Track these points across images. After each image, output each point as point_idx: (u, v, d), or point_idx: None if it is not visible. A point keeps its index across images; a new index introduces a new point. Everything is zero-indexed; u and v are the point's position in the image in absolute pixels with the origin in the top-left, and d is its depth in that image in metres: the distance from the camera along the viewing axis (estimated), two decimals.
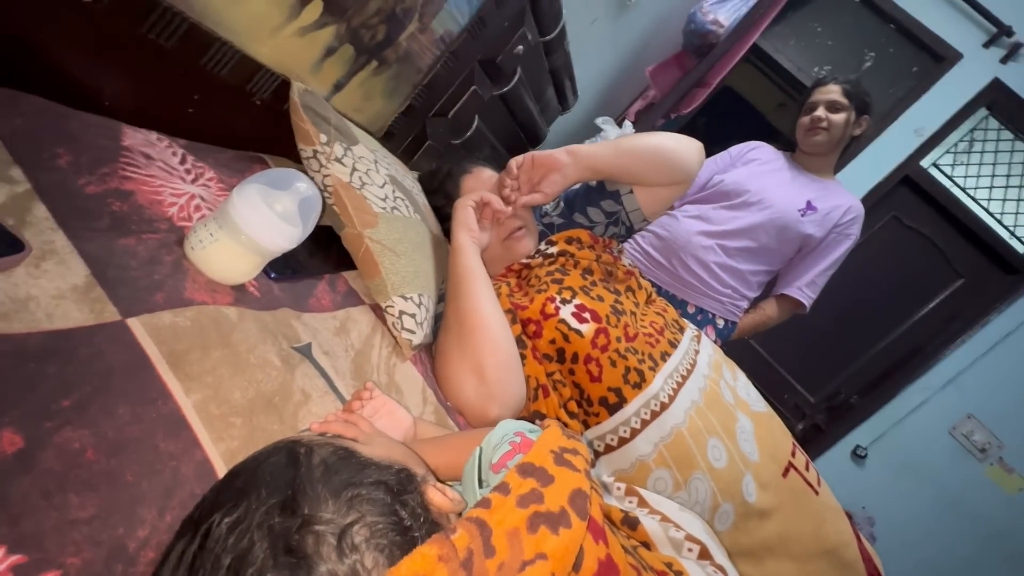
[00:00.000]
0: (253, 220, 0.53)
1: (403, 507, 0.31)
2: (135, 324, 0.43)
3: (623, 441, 0.79)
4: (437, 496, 0.34)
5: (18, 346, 0.35)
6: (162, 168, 0.60)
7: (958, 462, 2.41)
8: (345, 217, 0.74)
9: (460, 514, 0.35)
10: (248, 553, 0.26)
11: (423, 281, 0.80)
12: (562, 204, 1.09)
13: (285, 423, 0.49)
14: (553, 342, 0.79)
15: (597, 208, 1.03)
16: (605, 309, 0.82)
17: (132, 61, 0.62)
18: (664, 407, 0.80)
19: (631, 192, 0.99)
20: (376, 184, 0.80)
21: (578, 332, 0.78)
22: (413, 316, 0.74)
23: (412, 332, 0.73)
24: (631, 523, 0.56)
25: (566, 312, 0.80)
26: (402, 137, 1.10)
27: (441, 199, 0.98)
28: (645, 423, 0.79)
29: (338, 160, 0.75)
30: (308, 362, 0.58)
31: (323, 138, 0.74)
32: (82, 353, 0.38)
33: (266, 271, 0.63)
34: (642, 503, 0.62)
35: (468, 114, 1.16)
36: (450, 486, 0.41)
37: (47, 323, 0.37)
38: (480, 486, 0.43)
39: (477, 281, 0.78)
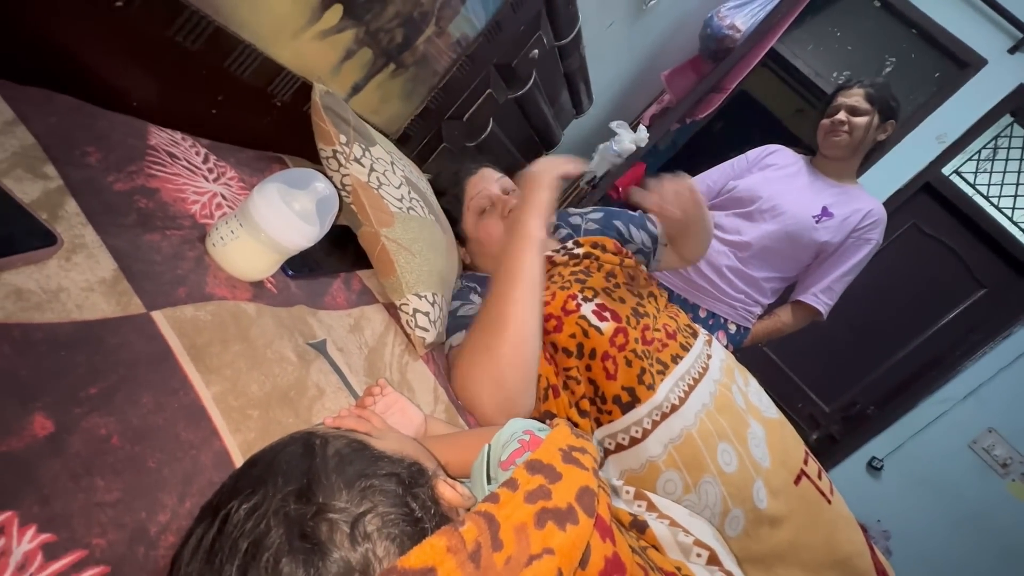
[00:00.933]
0: (272, 218, 0.55)
1: (414, 499, 0.32)
2: (159, 317, 0.44)
3: (634, 441, 0.79)
4: (447, 490, 0.35)
5: (50, 335, 0.36)
6: (186, 167, 0.62)
7: (978, 477, 2.35)
8: (363, 216, 0.75)
9: (469, 509, 0.36)
10: (265, 538, 0.27)
11: (437, 280, 0.81)
12: (601, 213, 1.10)
13: (300, 417, 0.50)
14: (573, 336, 0.80)
15: (642, 231, 1.07)
16: (626, 311, 0.84)
17: (159, 63, 0.64)
18: (675, 409, 0.80)
19: (666, 246, 1.08)
20: (393, 185, 0.82)
21: (597, 329, 0.79)
22: (427, 315, 0.75)
23: (426, 330, 0.74)
24: (640, 526, 0.56)
25: (587, 309, 0.81)
26: (418, 139, 1.11)
27: (449, 201, 0.99)
28: (656, 424, 0.79)
29: (357, 160, 0.77)
30: (323, 358, 0.59)
31: (343, 139, 0.76)
32: (109, 343, 0.39)
33: (284, 268, 0.65)
34: (651, 507, 0.62)
35: (483, 117, 1.17)
36: (460, 482, 0.41)
37: (77, 314, 0.39)
38: (489, 483, 0.43)
39: (535, 288, 0.74)
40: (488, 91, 1.13)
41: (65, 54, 0.57)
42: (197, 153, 0.66)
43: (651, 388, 0.80)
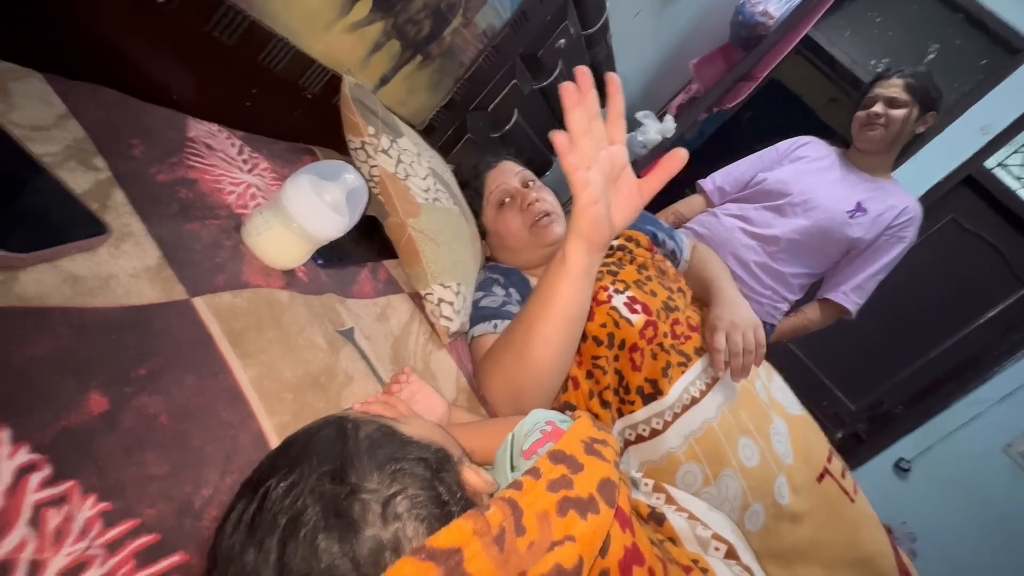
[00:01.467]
0: (304, 209, 0.57)
1: (441, 483, 0.33)
2: (199, 303, 0.46)
3: (655, 433, 0.79)
4: (472, 476, 0.36)
5: (102, 319, 0.38)
6: (222, 158, 0.64)
7: (1012, 481, 2.27)
8: (389, 206, 0.77)
9: (492, 495, 0.37)
10: (302, 515, 0.29)
11: (462, 270, 0.82)
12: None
13: (330, 401, 0.52)
14: (604, 326, 0.81)
15: (671, 241, 1.09)
16: (656, 304, 0.84)
17: (197, 57, 0.66)
18: (696, 402, 0.80)
19: (687, 261, 1.10)
20: (419, 176, 0.83)
21: (628, 320, 0.80)
22: (451, 304, 0.77)
23: (450, 320, 0.76)
24: (658, 519, 0.57)
25: (618, 301, 0.82)
26: (443, 130, 1.12)
27: (469, 194, 1.00)
28: (676, 416, 0.79)
29: (384, 152, 0.78)
30: (351, 345, 0.61)
31: (371, 130, 0.77)
32: (155, 327, 0.41)
33: (314, 258, 0.67)
34: (669, 500, 0.63)
35: (508, 108, 1.17)
36: (483, 469, 0.42)
37: (125, 299, 0.41)
38: (511, 471, 0.45)
39: (568, 322, 0.66)
40: (513, 82, 1.13)
41: (109, 49, 0.59)
42: (232, 144, 0.68)
43: (673, 381, 0.80)
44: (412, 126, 1.00)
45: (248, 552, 0.28)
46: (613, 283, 0.85)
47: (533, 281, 0.93)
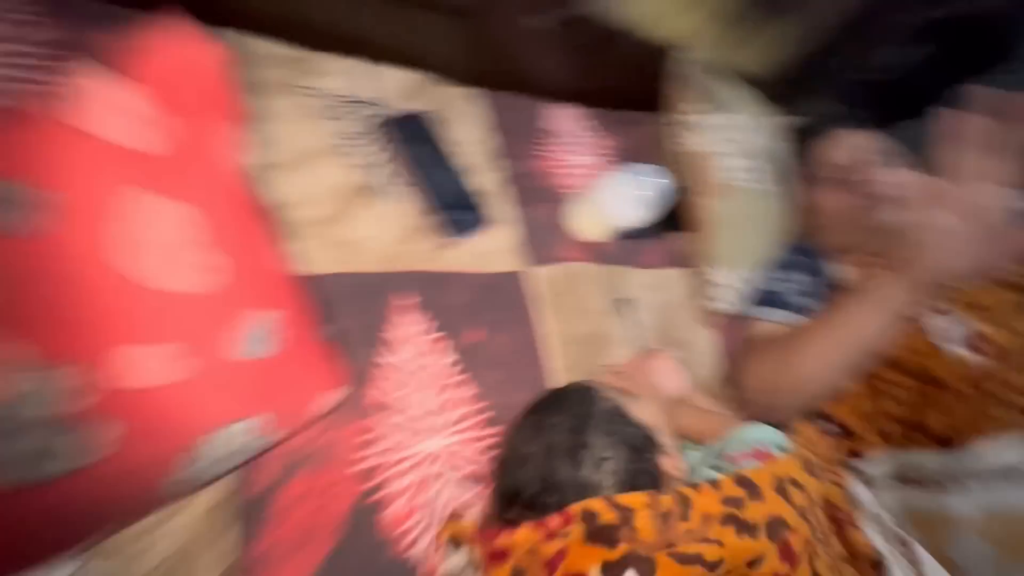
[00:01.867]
0: (617, 204, 0.73)
1: (640, 461, 0.48)
2: (532, 272, 0.71)
3: (938, 485, 0.70)
4: (667, 462, 0.49)
5: (481, 283, 0.67)
6: (571, 143, 0.85)
7: None
8: (692, 184, 0.83)
9: (679, 480, 0.50)
10: (553, 443, 0.49)
11: (751, 258, 0.83)
12: None
13: (598, 357, 0.71)
14: (915, 353, 0.72)
15: None
16: (1012, 344, 0.69)
17: (565, 57, 0.84)
18: (1013, 473, 0.65)
19: None
20: (735, 154, 0.84)
21: (951, 355, 0.69)
22: (729, 289, 0.81)
23: (723, 303, 0.81)
24: (875, 564, 0.57)
25: (944, 328, 0.71)
26: (796, 86, 1.00)
27: (795, 163, 0.91)
28: (974, 479, 0.67)
29: (698, 129, 0.83)
30: (626, 312, 0.77)
31: (691, 105, 0.82)
32: (505, 288, 0.68)
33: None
34: (911, 558, 0.59)
35: (892, 50, 0.95)
36: (687, 452, 0.54)
37: (493, 267, 0.69)
38: (710, 466, 0.55)
39: (854, 354, 0.66)
40: (900, 15, 0.89)
41: (509, 60, 0.82)
42: (581, 128, 0.87)
43: (988, 438, 0.66)
44: (753, 89, 0.95)
45: (522, 449, 0.51)
46: (960, 307, 0.71)
47: (840, 270, 0.84)
